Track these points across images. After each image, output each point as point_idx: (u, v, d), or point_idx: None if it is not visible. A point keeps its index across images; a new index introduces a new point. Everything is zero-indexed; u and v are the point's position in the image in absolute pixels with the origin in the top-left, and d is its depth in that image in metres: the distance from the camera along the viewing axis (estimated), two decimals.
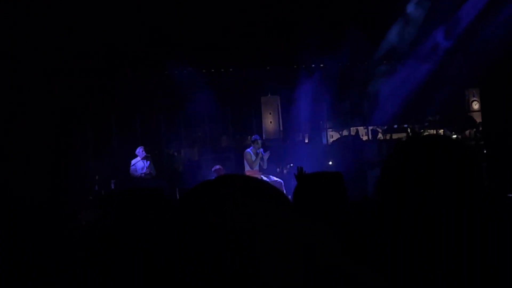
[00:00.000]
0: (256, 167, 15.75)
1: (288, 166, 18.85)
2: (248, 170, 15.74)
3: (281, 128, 20.60)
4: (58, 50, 16.76)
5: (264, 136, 20.21)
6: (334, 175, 4.20)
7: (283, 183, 15.72)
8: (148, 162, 16.24)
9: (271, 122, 20.40)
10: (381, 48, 19.16)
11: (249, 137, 17.88)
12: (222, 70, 19.42)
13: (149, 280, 1.27)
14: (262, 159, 15.90)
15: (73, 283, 1.25)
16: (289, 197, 5.48)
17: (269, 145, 18.99)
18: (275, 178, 15.91)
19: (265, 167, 16.03)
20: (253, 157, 15.77)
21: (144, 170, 16.08)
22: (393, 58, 19.32)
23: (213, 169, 16.21)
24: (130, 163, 16.35)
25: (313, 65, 19.17)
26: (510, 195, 13.74)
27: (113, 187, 17.10)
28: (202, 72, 19.51)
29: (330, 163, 18.82)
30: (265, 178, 15.74)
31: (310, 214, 3.80)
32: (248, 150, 15.97)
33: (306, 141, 20.80)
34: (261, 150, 16.01)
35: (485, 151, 16.24)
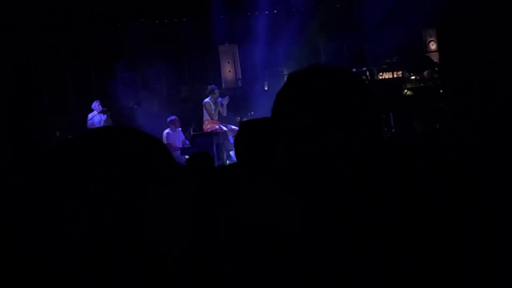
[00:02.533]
0: (216, 117, 15.71)
1: (249, 114, 18.84)
2: (207, 119, 15.70)
3: (240, 76, 20.51)
4: (9, 4, 16.46)
5: (223, 85, 20.13)
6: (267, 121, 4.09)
7: None
8: (105, 116, 16.11)
9: (229, 71, 20.29)
10: None
11: (207, 87, 17.78)
12: (176, 20, 19.20)
13: (149, 280, 1.25)
14: (221, 106, 15.87)
15: (72, 283, 1.22)
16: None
17: (229, 94, 18.94)
18: (234, 127, 15.89)
19: (224, 114, 15.99)
20: (213, 107, 15.73)
21: (102, 124, 15.95)
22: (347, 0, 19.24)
23: (168, 120, 16.10)
24: (87, 117, 16.21)
25: (267, 12, 19.03)
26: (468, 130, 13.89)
27: None
28: (155, 23, 19.29)
29: None
30: (223, 128, 15.73)
31: (249, 161, 3.76)
32: (207, 100, 15.91)
33: (266, 88, 20.76)
34: (220, 98, 15.97)
35: (441, 91, 16.35)
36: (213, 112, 15.73)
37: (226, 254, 2.12)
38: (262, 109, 18.17)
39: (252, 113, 18.61)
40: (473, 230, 1.48)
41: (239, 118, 18.54)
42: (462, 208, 1.52)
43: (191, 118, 17.54)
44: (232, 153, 15.11)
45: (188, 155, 10.23)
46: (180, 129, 16.02)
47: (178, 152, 14.92)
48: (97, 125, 15.89)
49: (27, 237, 1.22)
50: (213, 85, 16.41)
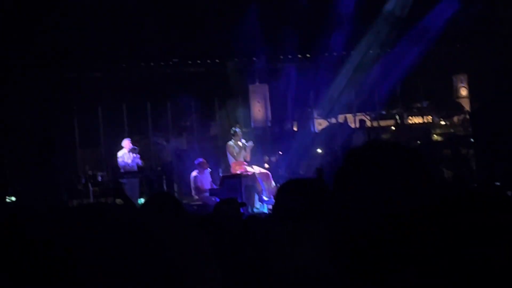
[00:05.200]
0: (241, 158, 15.56)
1: (277, 154, 18.87)
2: (233, 162, 15.57)
3: (270, 116, 20.58)
4: (41, 43, 16.76)
5: (253, 124, 20.19)
6: (311, 182, 4.10)
7: (270, 175, 15.60)
8: (136, 154, 16.08)
9: (259, 110, 20.38)
10: (369, 35, 19.13)
11: (236, 125, 17.75)
12: (209, 61, 19.38)
13: None
14: (245, 149, 15.67)
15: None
16: (276, 184, 5.97)
17: (258, 134, 18.97)
18: (262, 170, 15.79)
19: (248, 159, 15.76)
20: (236, 149, 15.59)
21: (132, 162, 15.94)
22: (380, 45, 19.27)
23: (196, 162, 15.92)
24: (116, 155, 16.23)
25: (300, 55, 19.17)
26: (497, 183, 13.77)
27: (100, 180, 17.07)
28: (187, 63, 19.48)
29: (319, 151, 18.85)
30: (250, 170, 15.59)
31: (290, 221, 3.77)
32: (230, 142, 15.76)
33: (295, 129, 20.82)
34: (243, 140, 15.83)
35: (472, 139, 16.26)
36: (236, 154, 15.58)
37: None
38: (290, 149, 18.22)
39: (281, 153, 18.63)
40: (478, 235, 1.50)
41: (267, 158, 18.55)
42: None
43: (220, 156, 17.57)
44: (262, 195, 15.07)
45: (218, 198, 10.26)
46: (209, 170, 15.93)
47: (207, 194, 14.98)
48: (127, 163, 15.89)
49: None
50: (235, 127, 16.25)
